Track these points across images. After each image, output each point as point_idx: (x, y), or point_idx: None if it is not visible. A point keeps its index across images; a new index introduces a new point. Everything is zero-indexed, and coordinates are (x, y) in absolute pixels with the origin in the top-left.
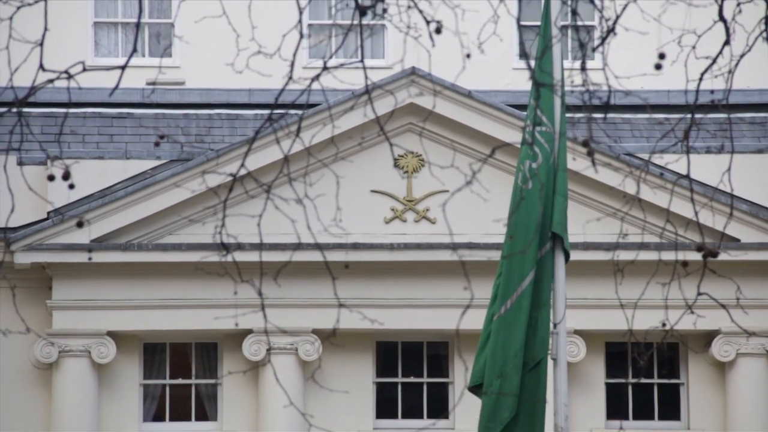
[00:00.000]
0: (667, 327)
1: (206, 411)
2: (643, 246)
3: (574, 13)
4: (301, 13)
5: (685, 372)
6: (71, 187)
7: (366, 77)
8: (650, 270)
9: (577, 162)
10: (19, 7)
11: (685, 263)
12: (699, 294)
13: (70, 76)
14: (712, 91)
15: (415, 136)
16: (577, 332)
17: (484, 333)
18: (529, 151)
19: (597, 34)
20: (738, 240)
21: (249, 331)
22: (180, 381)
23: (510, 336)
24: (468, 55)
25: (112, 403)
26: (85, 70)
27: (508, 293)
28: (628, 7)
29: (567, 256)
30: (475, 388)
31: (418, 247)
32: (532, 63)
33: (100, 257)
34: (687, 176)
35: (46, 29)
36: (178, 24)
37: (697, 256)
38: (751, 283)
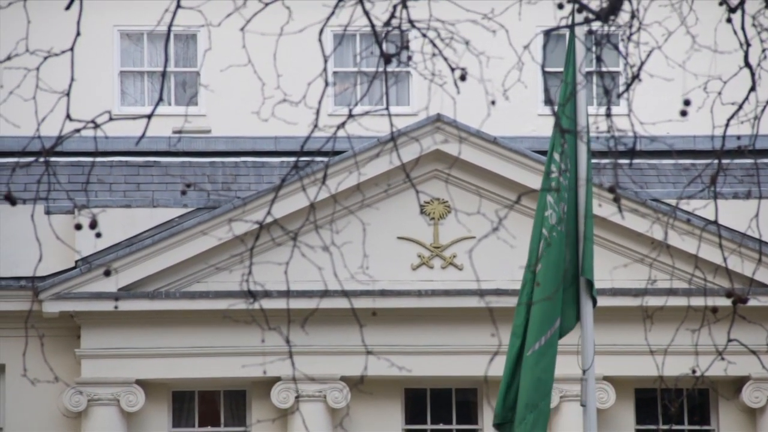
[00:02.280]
0: (698, 374)
1: None
2: (671, 292)
3: (599, 59)
4: (326, 61)
5: (716, 418)
6: (98, 235)
7: (391, 124)
8: (679, 316)
9: (603, 208)
10: (45, 57)
11: (714, 309)
12: (729, 340)
13: (96, 126)
14: (738, 137)
15: (440, 183)
16: (606, 378)
17: (508, 371)
18: (553, 197)
19: (622, 80)
20: (767, 285)
21: (277, 379)
22: (209, 429)
23: (544, 373)
24: (493, 102)
25: None
26: (111, 119)
27: (542, 331)
28: (652, 53)
29: (594, 302)
30: (501, 425)
31: (446, 293)
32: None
33: (127, 305)
34: (715, 222)
35: (72, 79)
36: (203, 72)
37: (726, 302)
38: None
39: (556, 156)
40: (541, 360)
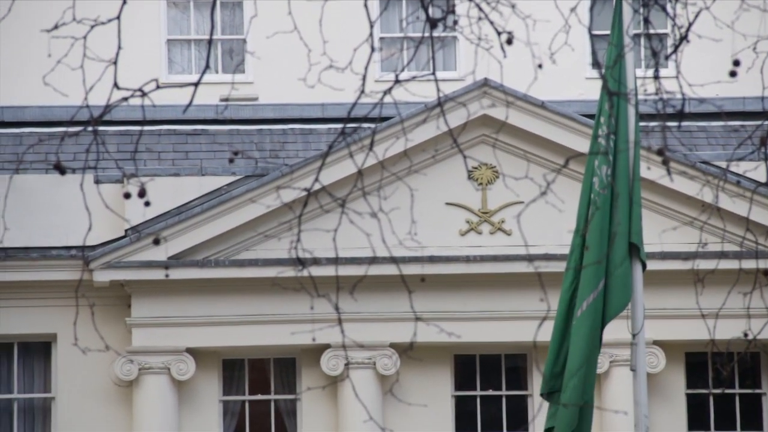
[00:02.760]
0: (750, 337)
1: (286, 426)
2: (722, 255)
3: (647, 21)
4: (372, 26)
5: (767, 382)
6: (147, 204)
7: (438, 89)
8: (731, 279)
9: (652, 171)
10: (92, 26)
11: (766, 272)
12: None
13: (144, 94)
14: None
15: (488, 148)
16: (656, 343)
17: (555, 338)
18: (603, 160)
19: (670, 41)
20: None
21: (327, 346)
22: (259, 397)
23: (583, 338)
24: (540, 66)
25: (192, 419)
26: (158, 87)
27: (586, 295)
28: (700, 14)
29: (644, 265)
30: (549, 395)
31: (494, 259)
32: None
33: (177, 274)
34: (766, 184)
35: (119, 47)
36: (250, 40)
37: None
38: None
39: (603, 119)
40: (584, 324)
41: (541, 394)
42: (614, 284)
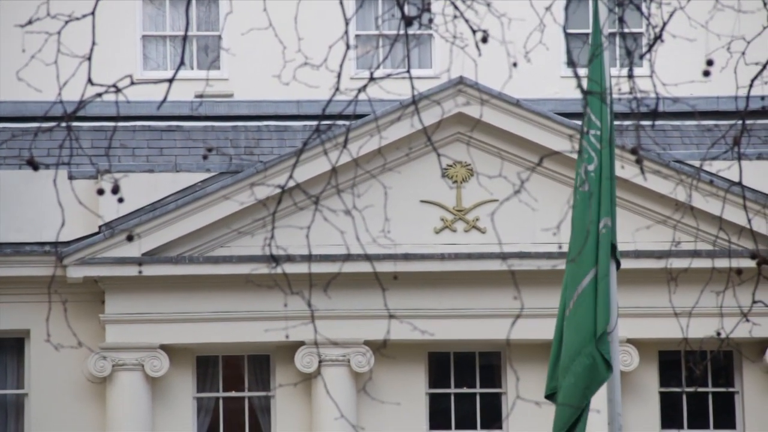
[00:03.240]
0: (722, 336)
1: (260, 423)
2: (695, 254)
3: (621, 20)
4: (347, 23)
5: (740, 380)
6: (121, 201)
7: (413, 87)
8: (703, 278)
9: (626, 170)
10: (67, 22)
11: (739, 271)
12: (754, 302)
13: (118, 90)
14: (762, 98)
15: (462, 146)
16: (630, 341)
17: (555, 340)
18: (584, 155)
19: (644, 41)
20: None
21: (301, 343)
22: (233, 394)
23: (571, 335)
24: (515, 64)
25: (166, 416)
26: (133, 83)
27: (571, 295)
28: (675, 14)
29: (618, 264)
30: (551, 396)
31: (469, 257)
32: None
33: (151, 270)
34: (739, 183)
35: (94, 43)
36: (225, 36)
37: (751, 264)
38: None
39: (592, 117)
40: (572, 322)
41: (546, 397)
42: (601, 296)
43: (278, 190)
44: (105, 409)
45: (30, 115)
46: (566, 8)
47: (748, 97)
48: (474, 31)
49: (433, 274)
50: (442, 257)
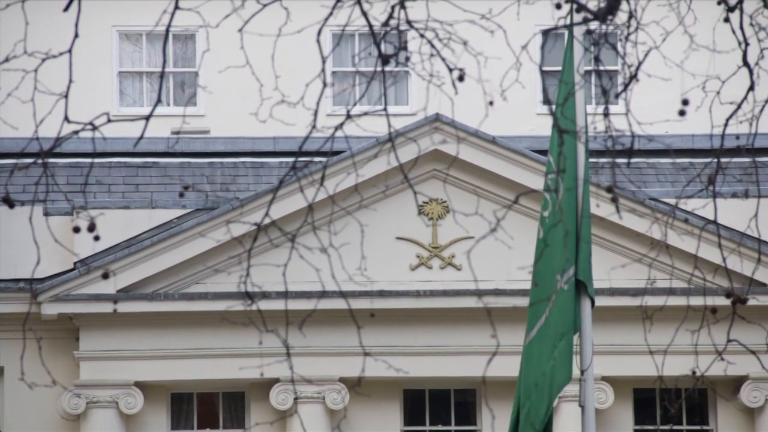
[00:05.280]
0: (697, 374)
1: None
2: (671, 292)
3: (597, 59)
4: (324, 62)
5: (714, 418)
6: (97, 239)
7: (389, 125)
8: (679, 316)
9: (601, 208)
10: (44, 60)
11: (714, 309)
12: (729, 340)
13: (95, 128)
14: (737, 136)
15: (439, 183)
16: (604, 379)
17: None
18: (551, 197)
19: (620, 79)
20: (766, 285)
21: (276, 380)
22: (208, 431)
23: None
24: (491, 102)
25: None
26: (109, 121)
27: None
28: (650, 53)
29: (592, 302)
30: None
31: (444, 294)
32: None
33: (126, 307)
34: (714, 221)
35: (71, 81)
36: (202, 73)
37: (725, 302)
38: None
39: (554, 156)
40: (527, 359)
41: None
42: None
43: (254, 227)
44: None
45: (6, 151)
46: (542, 47)
47: (723, 136)
48: (450, 70)
49: (409, 311)
50: (417, 294)
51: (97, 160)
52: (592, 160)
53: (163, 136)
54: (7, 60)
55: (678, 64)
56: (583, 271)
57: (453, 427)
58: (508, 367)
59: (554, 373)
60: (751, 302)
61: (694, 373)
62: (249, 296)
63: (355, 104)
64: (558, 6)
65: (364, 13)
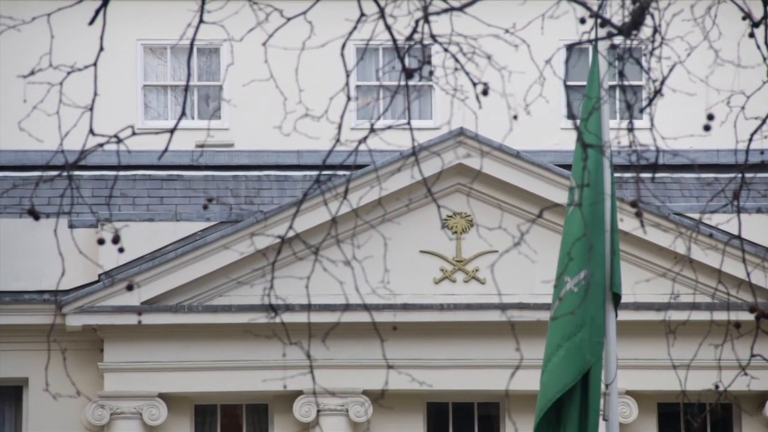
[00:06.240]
0: (721, 389)
1: None
2: (694, 306)
3: (621, 74)
4: (348, 76)
5: None
6: (121, 251)
7: (413, 138)
8: (702, 331)
9: (625, 222)
10: (69, 73)
11: (737, 324)
12: (753, 355)
13: (119, 140)
14: (762, 151)
15: (463, 197)
16: (628, 393)
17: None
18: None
19: (644, 94)
20: None
21: (299, 393)
22: None
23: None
24: (515, 117)
25: None
26: (134, 134)
27: (552, 350)
28: (675, 68)
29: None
30: None
31: (468, 307)
32: (579, 123)
33: (150, 319)
34: (738, 236)
35: (96, 94)
36: (226, 86)
37: (749, 317)
38: None
39: (578, 171)
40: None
41: None
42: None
43: (278, 240)
44: None
45: (31, 164)
46: (566, 61)
47: (747, 151)
48: (474, 84)
49: (432, 324)
50: (441, 307)
51: (121, 173)
52: (616, 174)
53: (187, 149)
54: (32, 73)
55: (702, 79)
56: (615, 284)
57: None
58: (532, 380)
59: (559, 373)
60: None
61: (717, 387)
62: (273, 309)
63: (378, 118)
64: (582, 21)
65: (388, 27)
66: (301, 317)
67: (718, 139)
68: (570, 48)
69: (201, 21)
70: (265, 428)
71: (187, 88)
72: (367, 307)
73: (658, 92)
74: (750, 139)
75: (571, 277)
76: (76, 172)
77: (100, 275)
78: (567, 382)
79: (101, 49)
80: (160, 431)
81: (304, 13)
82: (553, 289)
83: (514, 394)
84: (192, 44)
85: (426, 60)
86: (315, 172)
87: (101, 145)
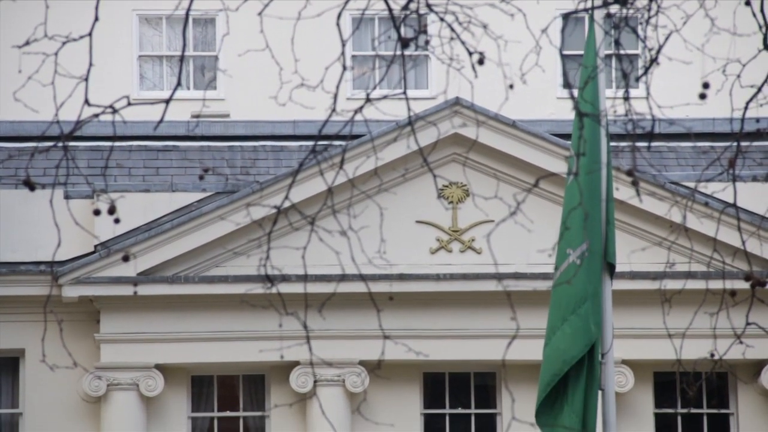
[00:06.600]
0: (716, 357)
1: None
2: (690, 275)
3: (617, 42)
4: (344, 45)
5: (734, 402)
6: (117, 221)
7: (409, 108)
8: (698, 299)
9: (621, 191)
10: (64, 43)
11: (733, 292)
12: (748, 323)
13: (115, 111)
14: (757, 120)
15: (459, 167)
16: (624, 362)
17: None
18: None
19: (640, 63)
20: None
21: (296, 363)
22: (228, 413)
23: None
24: (511, 86)
25: None
26: (129, 104)
27: (555, 323)
28: (671, 36)
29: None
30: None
31: (464, 277)
32: (575, 93)
33: (146, 290)
34: (734, 205)
35: (91, 64)
36: (222, 57)
37: (745, 285)
38: None
39: (574, 140)
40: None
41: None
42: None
43: (274, 211)
44: (99, 429)
45: (27, 135)
46: (562, 30)
47: (743, 120)
48: (470, 53)
49: (429, 295)
50: (437, 277)
51: (117, 144)
52: (612, 143)
53: (183, 120)
54: (27, 43)
55: (698, 47)
56: (611, 254)
57: (473, 410)
58: (528, 350)
59: (566, 345)
60: None
61: (712, 355)
62: (269, 279)
63: (374, 88)
64: None
65: None
66: (297, 288)
67: (714, 107)
68: (566, 17)
69: None
70: (262, 399)
71: (182, 58)
72: (363, 278)
73: (654, 61)
74: (746, 108)
75: (573, 250)
76: (72, 143)
77: (96, 246)
78: (574, 355)
79: (96, 19)
80: (156, 402)
81: None
82: (555, 260)
83: (511, 363)
84: (187, 14)
85: (422, 29)
86: (311, 143)
87: (97, 115)
